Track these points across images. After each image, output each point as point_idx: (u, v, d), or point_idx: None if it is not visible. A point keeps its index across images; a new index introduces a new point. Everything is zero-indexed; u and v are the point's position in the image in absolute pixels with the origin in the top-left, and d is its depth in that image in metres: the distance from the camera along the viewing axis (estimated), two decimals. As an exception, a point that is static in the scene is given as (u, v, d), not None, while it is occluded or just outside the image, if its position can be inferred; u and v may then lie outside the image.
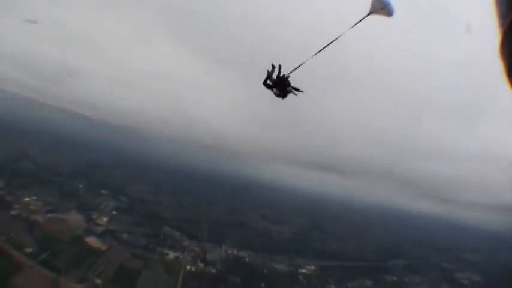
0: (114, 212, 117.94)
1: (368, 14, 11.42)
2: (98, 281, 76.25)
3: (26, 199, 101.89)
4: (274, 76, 14.04)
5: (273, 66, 13.99)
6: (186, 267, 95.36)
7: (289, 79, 13.86)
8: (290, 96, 14.26)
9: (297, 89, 14.03)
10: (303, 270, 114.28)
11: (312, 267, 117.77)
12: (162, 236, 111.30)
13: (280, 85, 13.78)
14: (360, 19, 11.53)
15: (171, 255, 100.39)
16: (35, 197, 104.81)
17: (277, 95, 13.88)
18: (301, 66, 13.33)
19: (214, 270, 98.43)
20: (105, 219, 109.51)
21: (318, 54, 13.12)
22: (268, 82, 13.99)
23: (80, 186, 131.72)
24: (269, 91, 13.84)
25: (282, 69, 14.00)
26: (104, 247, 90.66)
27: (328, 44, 12.61)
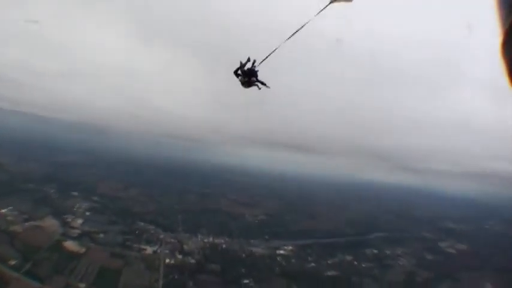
0: (87, 213, 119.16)
1: (330, 2, 11.78)
2: (82, 286, 78.92)
3: (3, 210, 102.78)
4: (246, 68, 14.78)
5: (248, 60, 14.61)
6: (165, 261, 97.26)
7: (258, 72, 14.73)
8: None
9: (263, 83, 14.98)
10: (281, 252, 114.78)
11: (290, 248, 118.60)
12: (137, 232, 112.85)
13: (248, 76, 14.59)
14: (323, 7, 11.93)
15: (149, 250, 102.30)
16: (11, 207, 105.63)
17: (242, 83, 14.72)
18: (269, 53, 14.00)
19: (193, 261, 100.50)
20: (79, 221, 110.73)
21: (286, 38, 13.68)
22: (239, 72, 14.71)
23: (52, 190, 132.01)
24: (236, 79, 14.78)
25: (255, 63, 14.64)
26: (82, 250, 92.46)
27: (295, 32, 13.20)
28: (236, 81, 15.10)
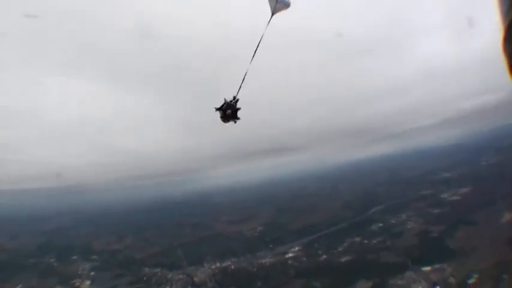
0: (92, 273, 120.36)
1: (272, 16, 11.57)
2: None
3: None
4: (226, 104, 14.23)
5: (234, 98, 13.96)
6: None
7: (238, 109, 13.91)
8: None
9: (236, 118, 13.95)
10: (290, 255, 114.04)
11: (297, 248, 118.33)
12: (145, 278, 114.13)
13: (228, 111, 13.84)
14: (268, 21, 11.68)
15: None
16: (20, 286, 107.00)
17: (221, 118, 13.84)
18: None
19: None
20: (87, 282, 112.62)
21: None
22: (223, 107, 13.95)
23: (52, 260, 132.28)
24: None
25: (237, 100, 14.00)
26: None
27: (256, 50, 12.82)
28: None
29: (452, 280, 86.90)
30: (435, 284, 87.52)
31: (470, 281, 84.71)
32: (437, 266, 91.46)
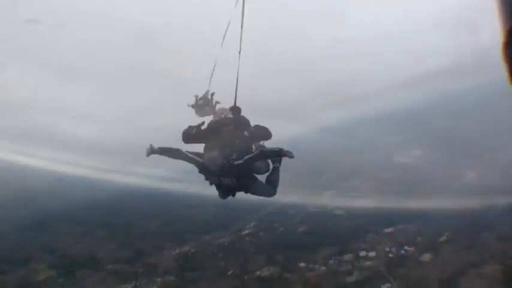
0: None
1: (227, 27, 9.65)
2: None
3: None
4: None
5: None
6: None
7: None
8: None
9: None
10: (246, 231, 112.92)
11: (252, 224, 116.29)
12: (107, 275, 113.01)
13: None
14: (224, 34, 9.40)
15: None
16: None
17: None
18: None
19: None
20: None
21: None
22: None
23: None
24: None
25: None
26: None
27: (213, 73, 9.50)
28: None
29: (419, 239, 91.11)
30: (402, 244, 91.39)
31: (442, 239, 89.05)
32: (400, 226, 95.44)
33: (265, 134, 7.11)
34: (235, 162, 6.90)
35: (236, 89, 7.19)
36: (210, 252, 77.89)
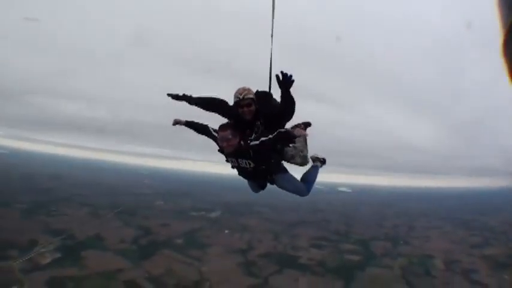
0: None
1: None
2: None
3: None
4: None
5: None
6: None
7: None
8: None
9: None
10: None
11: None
12: None
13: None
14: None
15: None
16: None
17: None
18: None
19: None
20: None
21: None
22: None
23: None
24: None
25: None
26: None
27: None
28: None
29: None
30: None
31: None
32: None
33: (281, 109, 6.20)
34: (251, 143, 6.30)
35: (270, 74, 6.52)
36: (215, 229, 78.40)
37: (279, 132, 6.20)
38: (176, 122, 6.72)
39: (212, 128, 6.62)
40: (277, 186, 6.81)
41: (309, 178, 7.09)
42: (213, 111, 6.66)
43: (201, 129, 6.73)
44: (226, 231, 72.76)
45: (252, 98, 6.18)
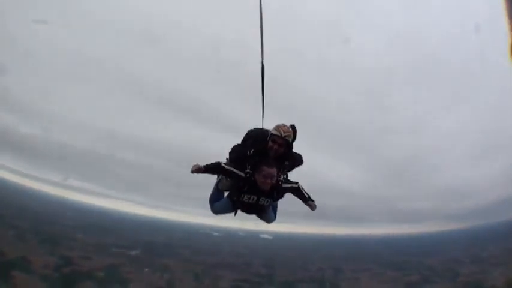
0: None
1: None
2: None
3: None
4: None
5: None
6: None
7: None
8: None
9: None
10: None
11: None
12: None
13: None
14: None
15: None
16: None
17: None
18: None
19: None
20: None
21: None
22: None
23: None
24: None
25: None
26: None
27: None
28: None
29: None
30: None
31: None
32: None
33: (301, 160, 6.77)
34: (284, 185, 6.39)
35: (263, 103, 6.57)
36: (136, 266, 77.05)
37: (303, 189, 6.51)
38: (196, 170, 6.15)
39: (225, 164, 6.39)
40: (259, 216, 7.01)
41: (276, 207, 7.35)
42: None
43: (217, 169, 6.40)
44: (146, 270, 71.91)
45: (288, 141, 6.20)
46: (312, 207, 6.45)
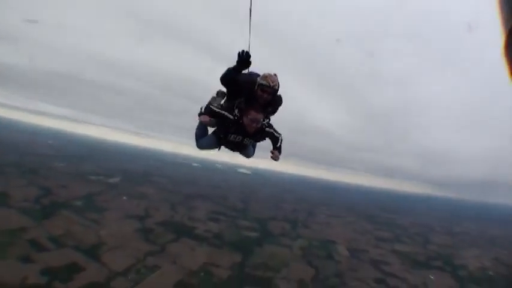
0: None
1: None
2: None
3: None
4: None
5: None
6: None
7: None
8: None
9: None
10: None
11: None
12: None
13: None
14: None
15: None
16: None
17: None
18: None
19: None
20: None
21: None
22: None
23: None
24: None
25: None
26: None
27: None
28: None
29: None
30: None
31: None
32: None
33: (281, 101, 7.21)
34: (266, 129, 7.11)
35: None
36: (113, 194, 79.38)
37: (280, 135, 7.21)
38: (206, 120, 6.98)
39: (215, 107, 7.10)
40: (240, 151, 7.66)
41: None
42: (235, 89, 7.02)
43: (211, 112, 6.99)
44: (124, 198, 73.86)
45: (276, 90, 6.77)
46: (276, 158, 7.24)
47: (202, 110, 7.28)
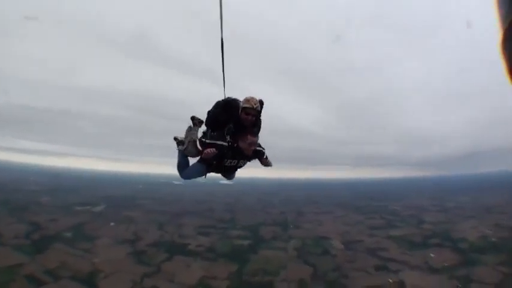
0: None
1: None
2: None
3: None
4: None
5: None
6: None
7: None
8: None
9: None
10: None
11: None
12: None
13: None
14: None
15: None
16: None
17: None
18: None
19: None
20: None
21: None
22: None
23: None
24: None
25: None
26: None
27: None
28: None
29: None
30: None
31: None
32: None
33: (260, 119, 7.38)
34: (257, 148, 7.34)
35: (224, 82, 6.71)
36: (101, 222, 79.43)
37: (263, 149, 7.46)
38: (211, 155, 6.93)
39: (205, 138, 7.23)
40: (228, 175, 7.86)
41: None
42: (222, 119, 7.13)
43: (206, 145, 7.03)
44: (111, 224, 73.87)
45: (259, 111, 6.98)
46: (269, 163, 7.63)
47: (179, 139, 7.65)
